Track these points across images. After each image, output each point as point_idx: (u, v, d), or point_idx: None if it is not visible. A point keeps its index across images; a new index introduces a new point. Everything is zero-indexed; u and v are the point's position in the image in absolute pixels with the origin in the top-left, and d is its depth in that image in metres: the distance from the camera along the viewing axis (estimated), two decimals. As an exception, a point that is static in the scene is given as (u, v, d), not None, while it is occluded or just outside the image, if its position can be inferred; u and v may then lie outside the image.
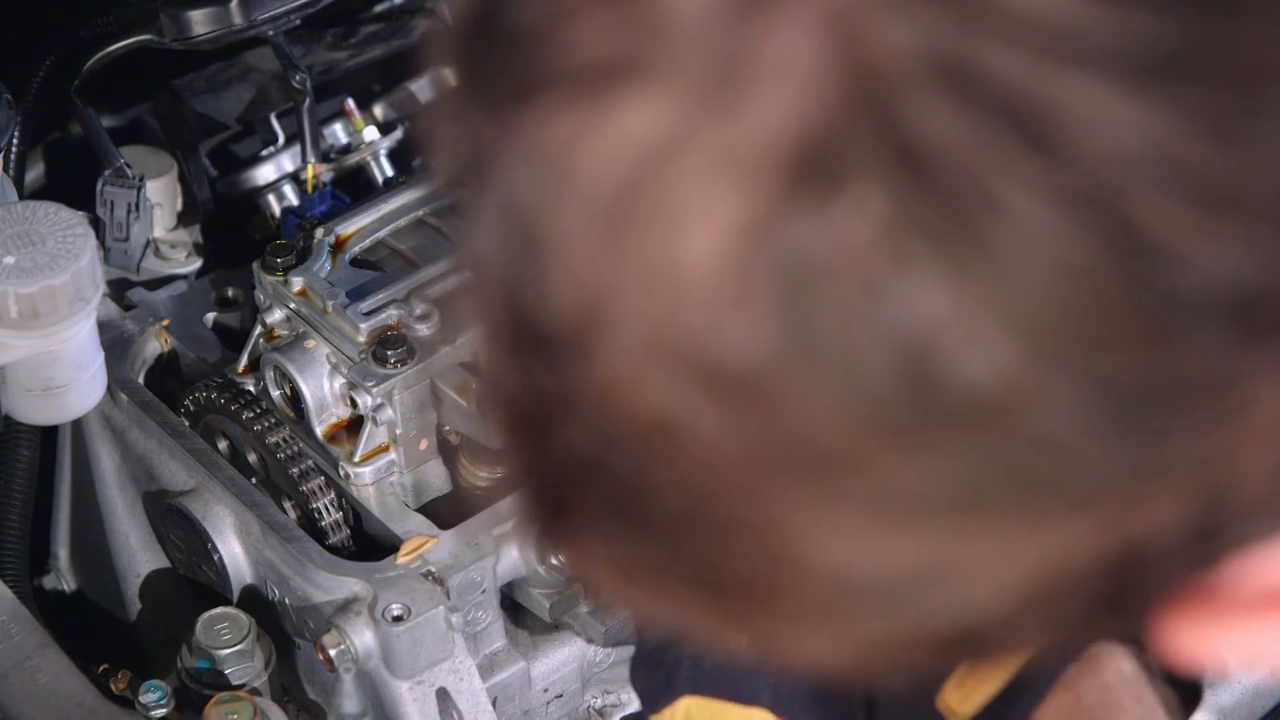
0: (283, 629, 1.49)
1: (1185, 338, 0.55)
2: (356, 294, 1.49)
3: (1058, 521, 0.59)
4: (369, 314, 1.47)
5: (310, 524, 1.49)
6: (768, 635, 0.66)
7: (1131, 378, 0.56)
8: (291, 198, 1.76)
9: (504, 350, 0.61)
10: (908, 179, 0.54)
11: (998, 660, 0.65)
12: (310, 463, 1.50)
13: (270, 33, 1.67)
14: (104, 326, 1.54)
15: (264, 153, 1.78)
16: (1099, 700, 1.08)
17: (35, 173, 1.79)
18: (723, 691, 1.20)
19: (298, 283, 1.50)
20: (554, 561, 1.43)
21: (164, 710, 1.43)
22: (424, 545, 1.43)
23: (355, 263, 1.53)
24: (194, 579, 1.56)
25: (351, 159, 1.77)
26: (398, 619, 1.39)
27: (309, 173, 1.71)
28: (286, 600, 1.47)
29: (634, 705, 1.52)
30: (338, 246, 1.53)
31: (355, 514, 1.50)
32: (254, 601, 1.50)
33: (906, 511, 0.58)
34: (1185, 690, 1.13)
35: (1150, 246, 0.54)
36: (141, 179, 1.67)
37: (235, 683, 1.45)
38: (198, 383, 1.56)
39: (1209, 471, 0.58)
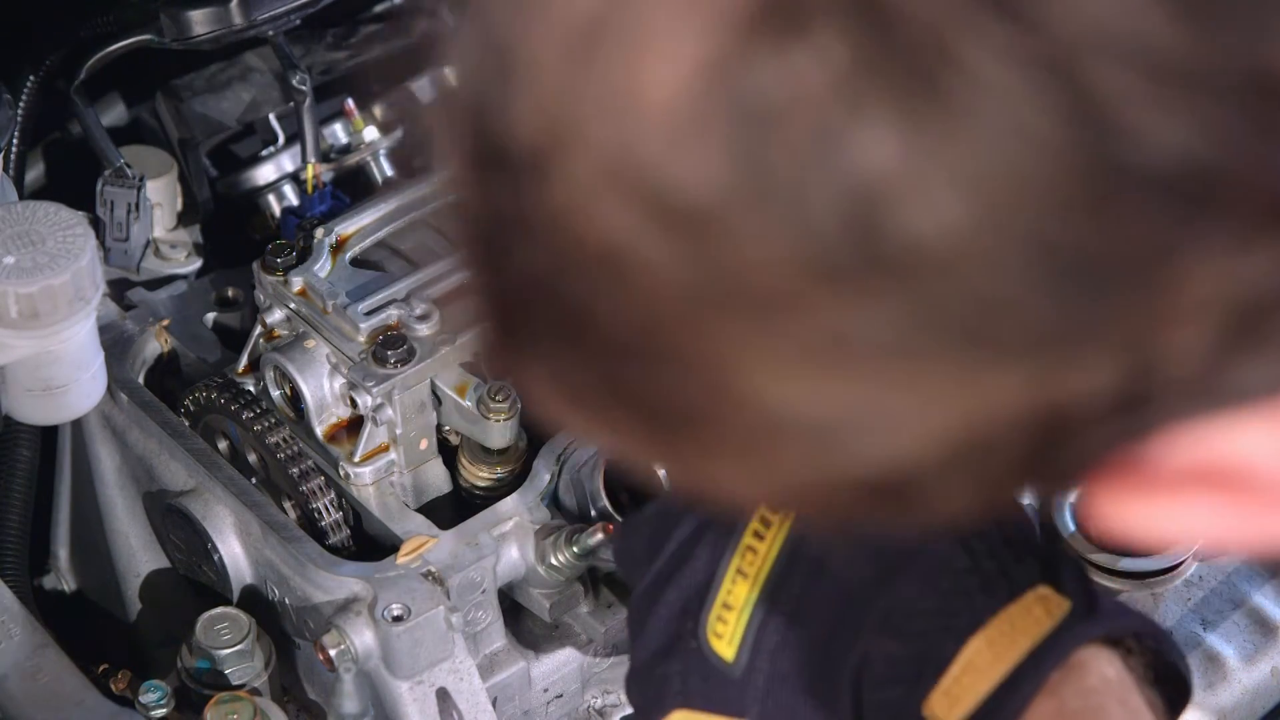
0: (283, 629, 1.49)
1: (1130, 208, 0.57)
2: (356, 294, 1.49)
3: (987, 376, 0.60)
4: (369, 314, 1.47)
5: (310, 524, 1.49)
6: (698, 469, 0.68)
7: (1073, 243, 0.57)
8: (291, 198, 1.76)
9: (469, 169, 0.63)
10: (871, 31, 0.55)
11: (925, 518, 0.68)
12: (310, 463, 1.50)
13: (270, 33, 1.67)
14: (104, 326, 1.54)
15: (264, 153, 1.78)
16: (1083, 706, 1.08)
17: (35, 173, 1.79)
18: (711, 705, 1.20)
19: (298, 283, 1.51)
20: (554, 561, 1.43)
21: (164, 710, 1.43)
22: (424, 545, 1.43)
23: (355, 263, 1.53)
24: (194, 579, 1.56)
25: (351, 159, 1.77)
26: (398, 619, 1.39)
27: (309, 173, 1.71)
28: (286, 600, 1.47)
29: (634, 705, 1.52)
30: (338, 246, 1.53)
31: (355, 514, 1.50)
32: (254, 601, 1.50)
33: (841, 355, 0.60)
34: (1173, 692, 1.12)
35: (1107, 117, 0.55)
36: (141, 179, 1.67)
37: (235, 683, 1.45)
38: (198, 383, 1.56)
39: (1139, 342, 0.60)
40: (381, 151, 1.78)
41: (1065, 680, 1.08)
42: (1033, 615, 1.11)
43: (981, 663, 1.09)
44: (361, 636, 1.40)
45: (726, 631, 1.19)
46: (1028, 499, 1.59)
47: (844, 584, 1.15)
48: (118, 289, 1.67)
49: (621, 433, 0.67)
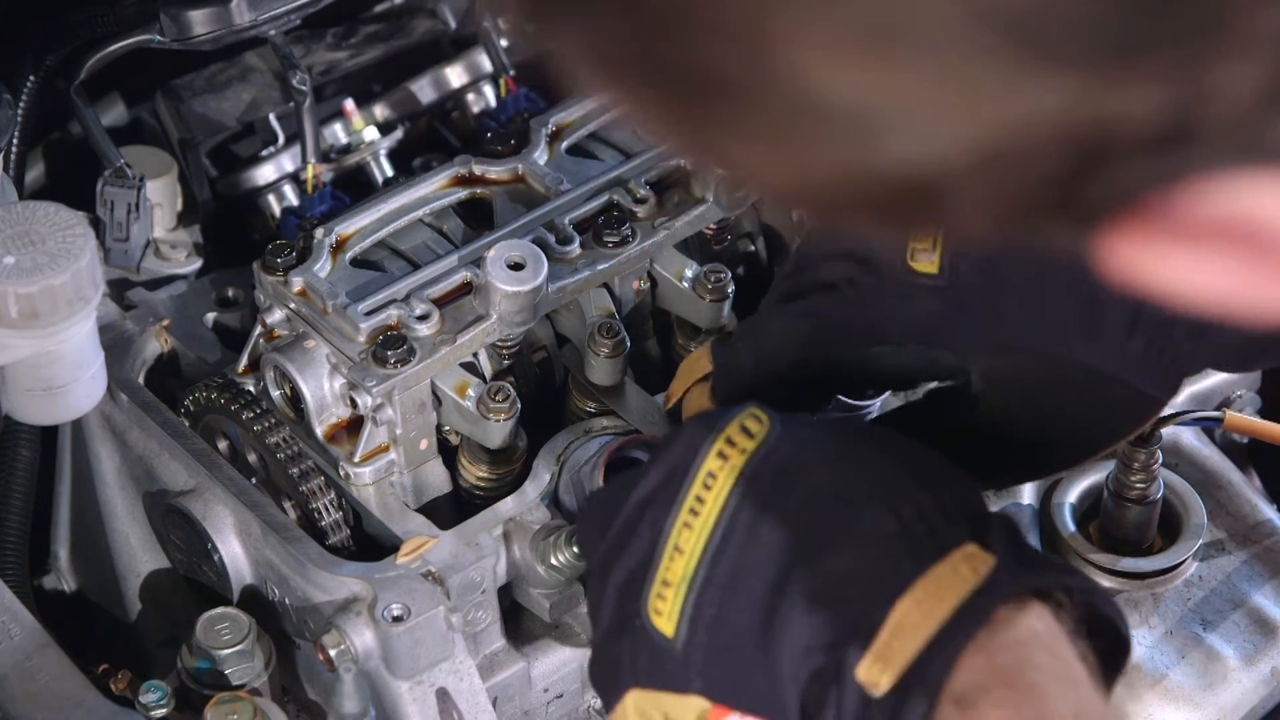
0: (283, 629, 1.49)
1: None
2: (356, 294, 1.49)
3: (1033, 81, 0.59)
4: (369, 314, 1.47)
5: (310, 524, 1.49)
6: (723, 149, 0.66)
7: None
8: (291, 198, 1.76)
9: None
10: None
11: (945, 228, 0.66)
12: (310, 463, 1.50)
13: (270, 33, 1.67)
14: (104, 326, 1.54)
15: (264, 153, 1.78)
16: (1011, 659, 1.08)
17: (35, 173, 1.79)
18: (658, 682, 1.21)
19: (298, 283, 1.51)
20: (554, 561, 1.43)
21: (164, 710, 1.43)
22: (424, 545, 1.43)
23: (355, 263, 1.53)
24: (194, 579, 1.56)
25: (351, 159, 1.77)
26: (398, 619, 1.39)
27: (309, 173, 1.71)
28: (286, 600, 1.47)
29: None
30: (338, 246, 1.53)
31: (355, 514, 1.50)
32: (254, 601, 1.50)
33: (889, 41, 0.59)
34: (1109, 646, 1.12)
35: None
36: (141, 179, 1.67)
37: (235, 683, 1.45)
38: (198, 383, 1.56)
39: (1191, 69, 0.58)
40: (381, 151, 1.78)
41: (993, 635, 1.09)
42: (959, 574, 1.11)
43: (910, 624, 1.10)
44: (361, 636, 1.40)
45: (665, 608, 1.19)
46: (1026, 499, 1.60)
47: (778, 556, 1.15)
48: (118, 289, 1.67)
49: (652, 107, 0.65)
